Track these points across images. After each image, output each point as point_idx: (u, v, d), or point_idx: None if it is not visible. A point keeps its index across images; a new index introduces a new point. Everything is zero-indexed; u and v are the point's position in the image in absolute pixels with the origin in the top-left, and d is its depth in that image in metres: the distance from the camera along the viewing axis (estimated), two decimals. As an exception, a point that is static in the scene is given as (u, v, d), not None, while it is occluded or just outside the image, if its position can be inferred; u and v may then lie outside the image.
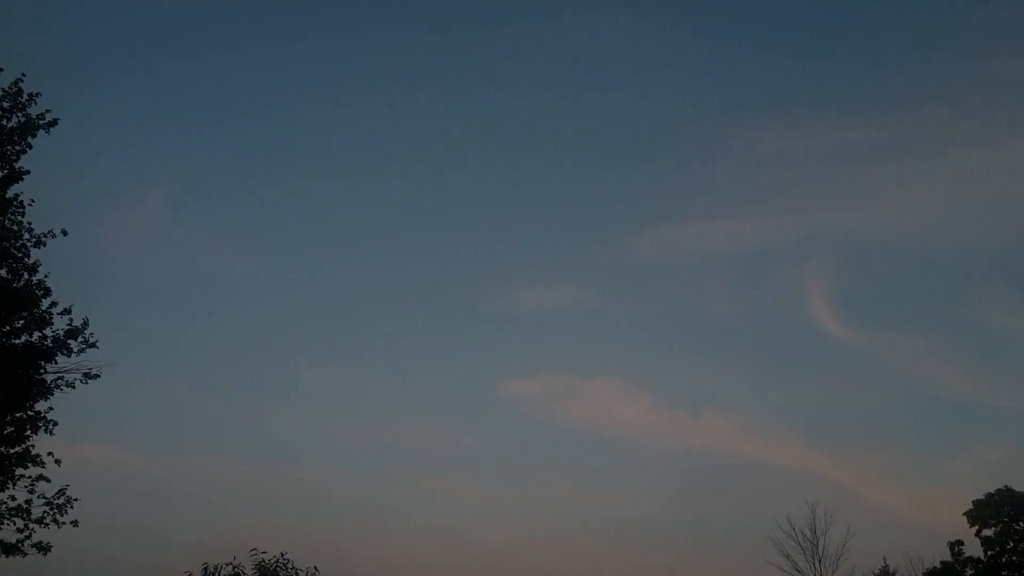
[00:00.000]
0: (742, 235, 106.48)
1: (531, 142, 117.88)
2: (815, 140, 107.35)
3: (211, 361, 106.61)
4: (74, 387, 21.20)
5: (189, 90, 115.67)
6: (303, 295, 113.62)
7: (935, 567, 46.67)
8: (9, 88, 21.25)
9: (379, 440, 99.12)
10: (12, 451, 20.91)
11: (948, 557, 46.71)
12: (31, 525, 20.68)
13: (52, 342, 21.01)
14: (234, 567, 27.46)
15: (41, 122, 21.66)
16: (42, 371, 21.11)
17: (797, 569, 45.60)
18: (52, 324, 21.10)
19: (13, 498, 20.77)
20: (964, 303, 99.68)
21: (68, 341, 21.13)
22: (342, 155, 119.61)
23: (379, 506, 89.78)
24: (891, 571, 46.95)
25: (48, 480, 20.99)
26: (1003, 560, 45.52)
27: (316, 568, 28.91)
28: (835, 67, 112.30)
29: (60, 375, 21.22)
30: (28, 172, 21.66)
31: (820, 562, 45.35)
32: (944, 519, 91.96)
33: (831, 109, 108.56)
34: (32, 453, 21.01)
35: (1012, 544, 45.60)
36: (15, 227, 21.12)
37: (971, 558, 46.19)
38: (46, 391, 21.12)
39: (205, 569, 27.10)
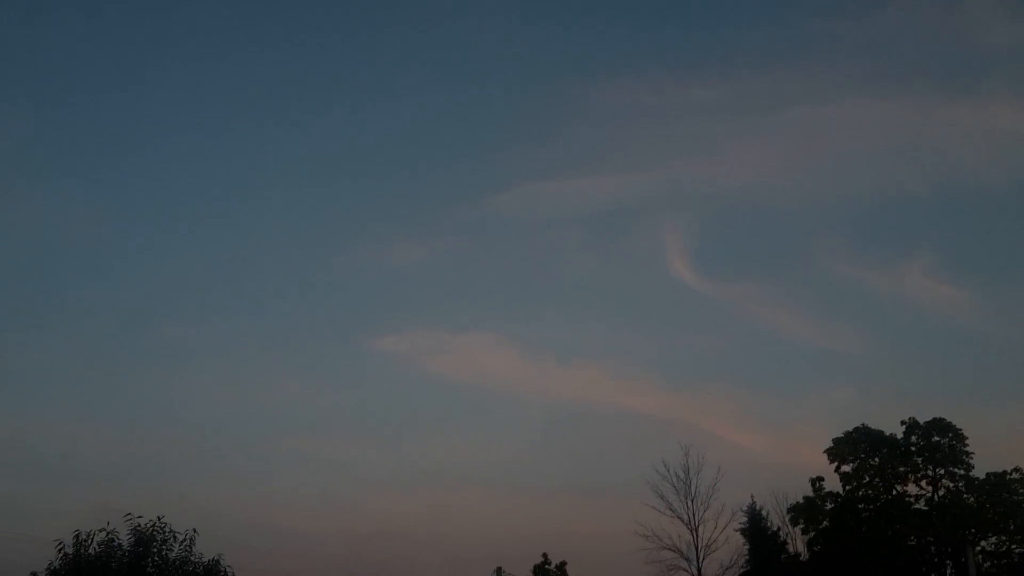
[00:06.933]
0: (601, 191, 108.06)
1: (400, 103, 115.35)
2: (665, 98, 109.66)
3: (74, 322, 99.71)
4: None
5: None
6: (164, 252, 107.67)
7: (798, 502, 49.04)
8: None
9: (247, 400, 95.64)
10: None
11: (810, 493, 49.27)
12: None
13: None
14: (108, 533, 25.00)
15: None
16: None
17: (672, 509, 46.85)
18: None
19: None
20: (806, 253, 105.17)
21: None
22: (201, 109, 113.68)
23: (254, 469, 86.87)
24: (758, 507, 49.03)
25: None
26: (859, 493, 48.36)
27: (195, 531, 26.86)
28: (681, 28, 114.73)
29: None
30: None
31: (693, 501, 46.69)
32: (802, 458, 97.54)
33: (679, 68, 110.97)
34: None
35: (868, 478, 48.48)
36: None
37: (831, 492, 48.80)
38: None
39: (77, 537, 24.52)
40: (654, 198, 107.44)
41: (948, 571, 47.35)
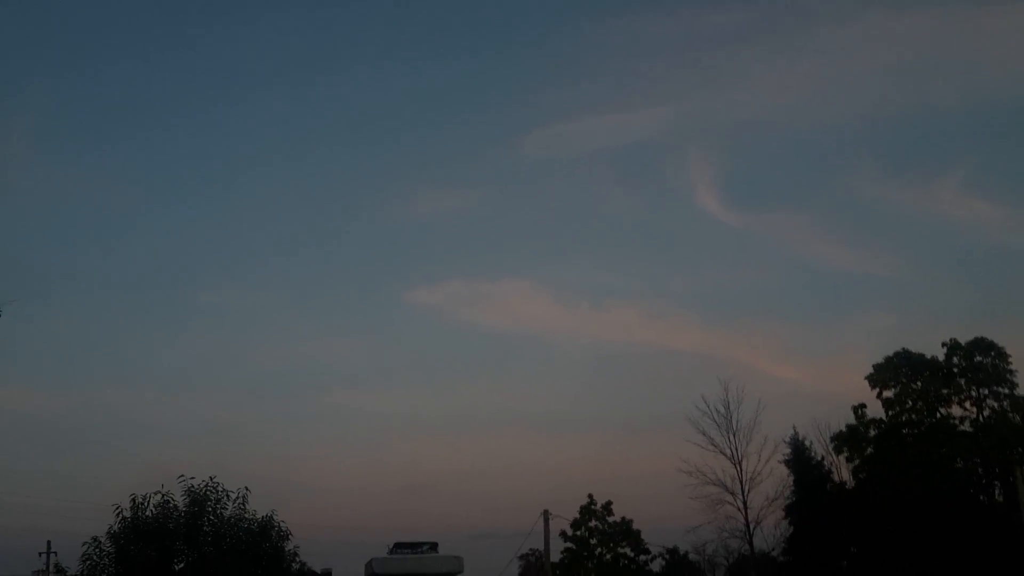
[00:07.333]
0: (626, 128, 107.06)
1: (416, 47, 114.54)
2: (685, 27, 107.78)
3: (105, 293, 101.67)
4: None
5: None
6: (194, 220, 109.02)
7: (841, 431, 48.86)
8: None
9: (287, 359, 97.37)
10: None
11: (853, 421, 49.01)
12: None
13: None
14: (163, 495, 25.65)
15: None
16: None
17: (714, 444, 47.13)
18: None
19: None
20: (837, 176, 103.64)
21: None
22: (220, 78, 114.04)
23: (297, 427, 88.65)
24: (801, 438, 49.00)
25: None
26: (903, 419, 48.06)
27: (247, 489, 27.42)
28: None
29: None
30: None
31: (735, 435, 46.96)
32: (844, 386, 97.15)
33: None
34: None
35: (911, 403, 48.13)
36: None
37: (874, 419, 48.50)
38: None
39: (133, 500, 25.19)
40: (680, 130, 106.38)
41: (997, 492, 47.11)
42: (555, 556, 50.11)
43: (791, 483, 47.76)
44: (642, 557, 53.33)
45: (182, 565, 25.15)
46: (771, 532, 47.88)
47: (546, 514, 45.62)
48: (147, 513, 24.84)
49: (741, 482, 45.98)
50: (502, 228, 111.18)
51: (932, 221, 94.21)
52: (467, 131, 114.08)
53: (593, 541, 52.52)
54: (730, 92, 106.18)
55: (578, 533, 52.34)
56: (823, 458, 49.10)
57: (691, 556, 53.30)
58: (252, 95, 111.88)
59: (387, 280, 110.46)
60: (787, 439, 48.27)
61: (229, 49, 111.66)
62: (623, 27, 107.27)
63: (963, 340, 48.12)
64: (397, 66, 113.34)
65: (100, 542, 24.45)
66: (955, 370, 47.74)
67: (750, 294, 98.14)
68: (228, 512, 25.91)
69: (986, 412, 47.37)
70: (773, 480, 46.98)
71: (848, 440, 48.36)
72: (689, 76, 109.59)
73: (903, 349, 48.80)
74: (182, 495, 25.58)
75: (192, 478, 25.72)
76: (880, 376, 48.53)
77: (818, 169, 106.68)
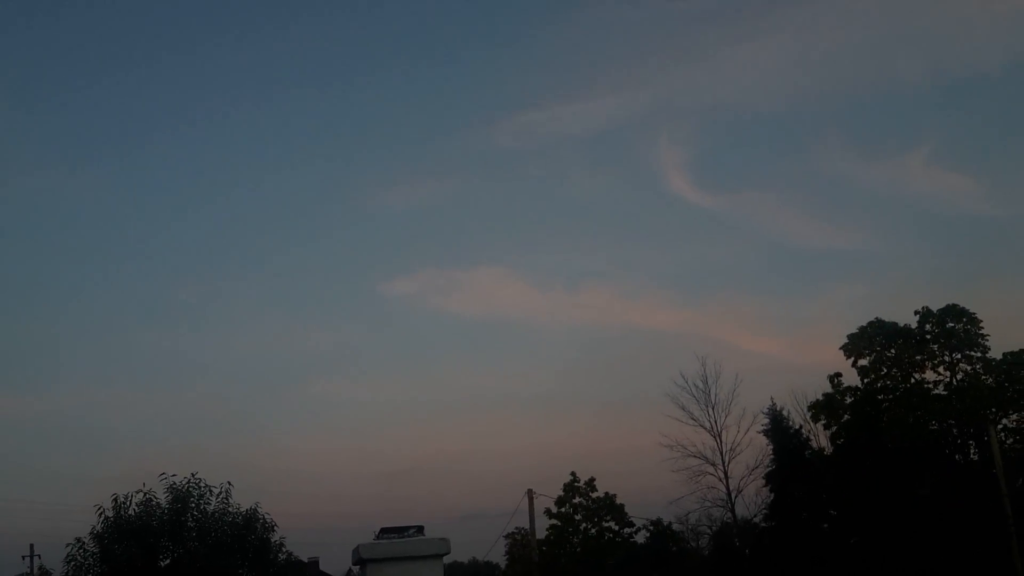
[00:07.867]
0: (595, 113, 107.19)
1: (387, 42, 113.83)
2: (653, 10, 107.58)
3: (84, 294, 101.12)
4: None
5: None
6: (172, 218, 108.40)
7: (818, 399, 49.50)
8: None
9: (267, 353, 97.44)
10: None
11: (829, 389, 49.65)
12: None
13: None
14: (145, 494, 25.68)
15: None
16: None
17: (693, 418, 47.85)
18: None
19: None
20: (805, 154, 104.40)
21: None
22: (213, 90, 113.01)
23: (282, 418, 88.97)
24: (779, 408, 49.58)
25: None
26: (878, 385, 48.75)
27: (230, 483, 27.45)
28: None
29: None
30: None
31: (714, 409, 47.76)
32: (819, 358, 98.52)
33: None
34: None
35: (885, 370, 48.82)
36: None
37: (850, 387, 49.17)
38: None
39: (115, 500, 25.20)
40: (649, 115, 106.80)
41: (972, 451, 47.97)
42: (540, 533, 50.74)
43: (770, 452, 48.42)
44: (626, 530, 54.03)
45: (168, 562, 25.21)
46: (752, 500, 48.73)
47: (530, 493, 46.16)
48: (130, 512, 24.84)
49: (721, 453, 46.84)
50: (475, 216, 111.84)
51: (901, 194, 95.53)
52: (438, 122, 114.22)
53: (578, 517, 53.12)
54: (697, 74, 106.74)
55: (562, 510, 52.89)
56: (801, 426, 49.76)
57: (675, 526, 54.02)
58: (241, 107, 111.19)
59: (363, 271, 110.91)
60: (765, 410, 48.86)
61: (216, 63, 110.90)
62: (589, 13, 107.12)
63: (935, 308, 48.83)
64: (369, 63, 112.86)
65: (84, 543, 24.44)
66: (928, 337, 48.43)
67: (724, 272, 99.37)
68: (211, 507, 25.93)
69: (959, 375, 48.17)
70: (753, 450, 47.81)
71: (825, 408, 48.98)
72: (656, 60, 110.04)
73: (876, 319, 49.48)
74: (164, 492, 25.57)
75: (174, 475, 25.72)
76: (854, 345, 49.17)
77: (787, 147, 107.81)
